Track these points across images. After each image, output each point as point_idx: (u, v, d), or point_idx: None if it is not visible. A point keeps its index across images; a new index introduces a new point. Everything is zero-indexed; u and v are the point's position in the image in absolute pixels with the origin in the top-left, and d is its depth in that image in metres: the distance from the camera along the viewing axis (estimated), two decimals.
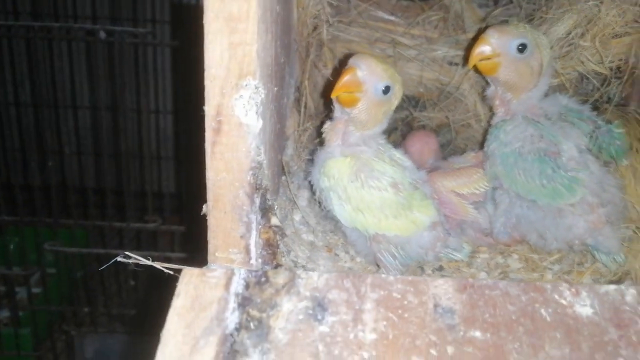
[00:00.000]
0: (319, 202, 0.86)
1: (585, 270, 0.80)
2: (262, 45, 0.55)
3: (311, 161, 0.90)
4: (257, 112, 0.53)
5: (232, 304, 0.45)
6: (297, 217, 0.95)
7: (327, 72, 1.25)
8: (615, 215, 0.78)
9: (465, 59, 0.99)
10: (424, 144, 1.02)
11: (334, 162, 0.80)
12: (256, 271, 0.48)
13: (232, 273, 0.48)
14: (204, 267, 0.50)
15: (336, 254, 0.93)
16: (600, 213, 0.77)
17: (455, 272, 0.90)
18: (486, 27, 0.84)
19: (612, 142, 0.79)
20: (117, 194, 1.88)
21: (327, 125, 0.85)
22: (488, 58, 0.80)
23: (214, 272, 0.48)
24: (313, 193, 0.88)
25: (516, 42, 0.79)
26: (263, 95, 0.53)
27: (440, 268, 0.90)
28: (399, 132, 1.26)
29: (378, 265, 0.85)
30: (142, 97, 1.69)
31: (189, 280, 0.48)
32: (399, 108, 1.27)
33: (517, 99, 0.83)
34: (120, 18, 1.82)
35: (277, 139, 0.80)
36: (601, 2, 0.85)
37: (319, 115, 1.15)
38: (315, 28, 1.09)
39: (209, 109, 0.53)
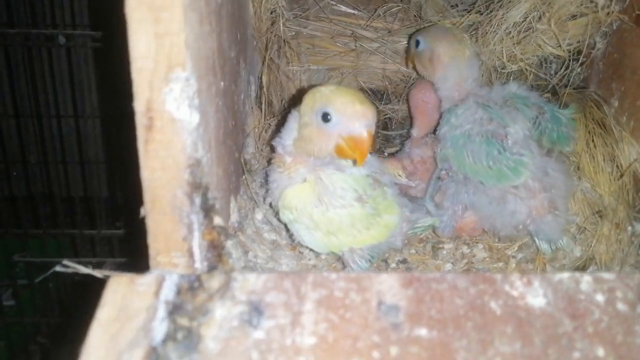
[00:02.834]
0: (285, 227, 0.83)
1: (549, 257, 0.78)
2: (195, 36, 0.51)
3: (265, 181, 0.86)
4: (190, 106, 0.50)
5: (161, 312, 0.42)
6: (258, 215, 0.92)
7: (292, 68, 1.23)
8: (559, 201, 0.77)
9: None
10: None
11: (293, 192, 0.76)
12: (189, 276, 0.45)
13: (163, 279, 0.45)
14: (135, 274, 0.46)
15: (300, 252, 0.91)
16: (542, 198, 0.77)
17: (420, 265, 0.88)
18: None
19: (556, 128, 0.79)
20: (86, 202, 1.83)
21: (289, 160, 0.78)
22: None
23: (144, 278, 0.45)
24: (276, 215, 0.85)
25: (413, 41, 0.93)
26: (195, 88, 0.50)
27: (405, 261, 0.88)
28: None
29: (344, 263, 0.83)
30: (105, 102, 1.64)
31: (116, 289, 0.44)
32: None
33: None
34: (82, 24, 1.77)
35: (230, 136, 0.77)
36: None
37: (281, 112, 1.12)
38: (273, 23, 1.06)
39: (139, 104, 0.49)
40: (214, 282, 0.44)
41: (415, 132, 0.97)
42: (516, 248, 0.83)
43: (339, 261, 0.86)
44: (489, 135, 0.77)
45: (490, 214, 0.80)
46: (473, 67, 0.86)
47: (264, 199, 0.89)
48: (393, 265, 0.87)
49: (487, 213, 0.81)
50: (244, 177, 0.91)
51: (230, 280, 0.44)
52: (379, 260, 0.86)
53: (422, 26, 1.14)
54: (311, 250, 0.88)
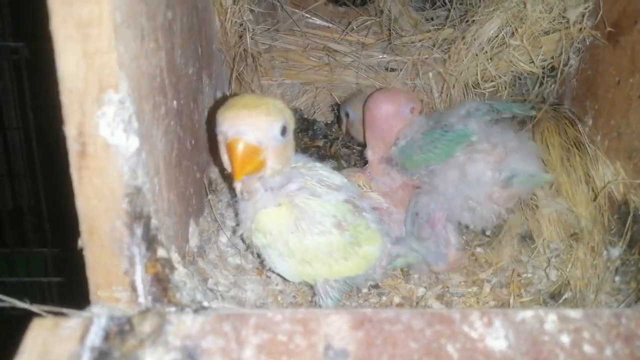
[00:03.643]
0: (257, 255, 0.78)
1: (523, 282, 0.75)
2: (132, 54, 0.48)
3: (232, 209, 0.80)
4: (126, 130, 0.46)
5: None
6: (223, 239, 0.88)
7: (265, 82, 1.20)
8: (515, 150, 0.77)
9: None
10: (393, 116, 0.86)
11: (267, 216, 0.69)
12: (119, 318, 0.41)
13: (91, 322, 0.41)
14: (60, 317, 0.42)
15: (267, 276, 0.86)
16: (498, 151, 0.76)
17: (392, 290, 0.84)
18: None
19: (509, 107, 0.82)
20: (55, 218, 1.77)
21: (240, 187, 0.71)
22: None
23: (69, 321, 0.41)
24: (247, 247, 0.80)
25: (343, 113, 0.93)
26: (132, 111, 0.46)
27: (377, 286, 0.85)
28: (339, 142, 1.20)
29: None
30: (28, 114, 1.58)
31: (38, 333, 0.40)
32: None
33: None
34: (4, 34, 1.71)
35: (187, 156, 0.73)
36: None
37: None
38: (240, 37, 1.03)
39: (70, 128, 0.45)
40: (146, 325, 0.40)
41: (369, 154, 0.90)
42: (491, 272, 0.80)
43: (309, 287, 0.81)
44: (429, 129, 0.81)
45: (464, 196, 0.78)
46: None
47: (235, 230, 0.82)
48: (365, 290, 0.84)
49: (460, 198, 0.78)
50: (207, 198, 0.87)
51: (164, 323, 0.40)
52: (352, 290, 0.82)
53: (395, 41, 1.12)
54: (278, 274, 0.84)
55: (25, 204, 1.73)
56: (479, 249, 0.90)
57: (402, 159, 0.84)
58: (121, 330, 0.40)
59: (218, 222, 0.86)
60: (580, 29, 0.81)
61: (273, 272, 0.83)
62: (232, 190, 0.83)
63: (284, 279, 0.85)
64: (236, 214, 0.79)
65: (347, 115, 0.99)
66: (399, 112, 0.84)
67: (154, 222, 0.51)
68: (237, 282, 0.81)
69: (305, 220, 0.68)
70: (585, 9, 0.80)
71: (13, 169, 1.69)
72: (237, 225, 0.78)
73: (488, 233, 0.90)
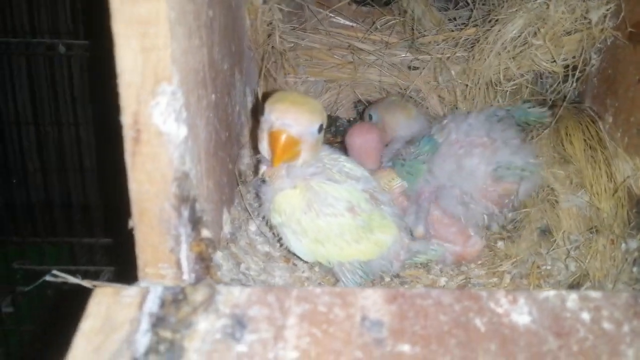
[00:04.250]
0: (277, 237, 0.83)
1: (543, 274, 0.78)
2: (182, 50, 0.52)
3: (257, 196, 0.86)
4: (177, 120, 0.50)
5: (145, 324, 0.42)
6: (252, 227, 0.92)
7: (290, 79, 1.23)
8: (511, 144, 0.80)
9: None
10: (365, 142, 0.97)
11: (284, 196, 0.75)
12: (174, 288, 0.45)
13: (148, 291, 0.45)
14: (120, 285, 0.46)
15: (294, 264, 0.90)
16: (496, 145, 0.79)
17: (414, 280, 0.87)
18: None
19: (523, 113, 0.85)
20: (84, 210, 1.84)
21: (264, 170, 0.78)
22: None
23: (129, 290, 0.45)
24: (270, 228, 0.85)
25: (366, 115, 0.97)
26: (182, 102, 0.50)
27: (398, 276, 0.88)
28: None
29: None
30: (99, 110, 1.65)
31: (101, 300, 0.44)
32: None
33: None
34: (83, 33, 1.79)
35: (223, 147, 0.77)
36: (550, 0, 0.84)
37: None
38: (269, 35, 1.07)
39: (126, 117, 0.49)
40: (198, 295, 0.44)
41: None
42: (511, 264, 0.83)
43: (333, 275, 0.85)
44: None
45: (458, 189, 0.81)
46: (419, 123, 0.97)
47: (258, 212, 0.88)
48: (387, 279, 0.87)
49: (454, 191, 0.81)
50: (238, 188, 0.91)
51: (214, 294, 0.44)
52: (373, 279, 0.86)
53: (419, 40, 1.15)
54: (305, 262, 0.88)
55: (75, 198, 1.80)
56: (499, 243, 0.92)
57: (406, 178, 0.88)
58: (175, 299, 0.44)
59: (248, 211, 0.90)
60: (602, 29, 0.84)
61: (297, 259, 0.88)
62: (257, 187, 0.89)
63: (310, 267, 0.89)
64: (256, 196, 0.87)
65: (370, 117, 1.06)
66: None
67: (199, 205, 0.55)
68: (266, 269, 0.85)
69: (317, 202, 0.74)
70: (608, 10, 0.82)
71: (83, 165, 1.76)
72: (260, 206, 0.84)
73: (508, 227, 0.93)
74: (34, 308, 1.93)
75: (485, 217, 0.83)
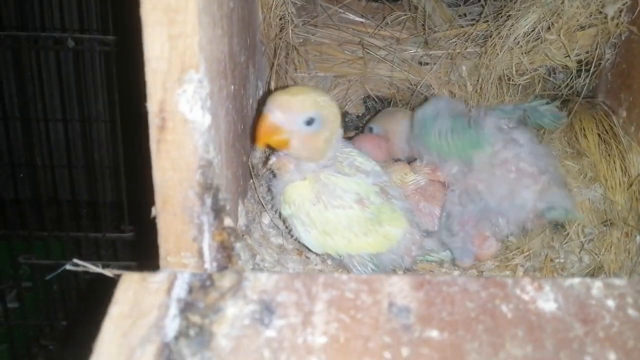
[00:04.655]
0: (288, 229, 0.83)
1: (557, 267, 0.78)
2: (208, 39, 0.52)
3: (269, 190, 0.87)
4: (202, 108, 0.50)
5: (173, 310, 0.42)
6: (265, 220, 0.92)
7: (299, 74, 1.23)
8: (556, 181, 0.78)
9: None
10: (375, 146, 1.00)
11: (293, 188, 0.77)
12: (201, 274, 0.45)
13: (175, 277, 0.45)
14: (147, 272, 0.47)
15: (307, 257, 0.91)
16: (544, 180, 0.77)
17: (427, 273, 0.87)
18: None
19: (539, 115, 0.83)
20: (91, 205, 1.84)
21: (273, 161, 0.80)
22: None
23: (156, 276, 0.45)
24: (282, 221, 0.85)
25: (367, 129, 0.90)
26: (208, 90, 0.50)
27: (412, 269, 0.88)
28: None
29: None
30: (115, 105, 1.65)
31: (128, 286, 0.44)
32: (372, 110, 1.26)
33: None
34: (90, 28, 1.79)
35: (239, 139, 0.77)
36: None
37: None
38: (281, 30, 1.07)
39: (152, 105, 0.50)
40: (226, 281, 0.45)
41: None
42: (524, 257, 0.83)
43: (344, 268, 0.85)
44: (455, 115, 0.83)
45: (502, 214, 0.80)
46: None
47: (271, 205, 0.89)
48: (400, 273, 0.87)
49: (498, 214, 0.80)
50: (251, 181, 0.91)
51: (241, 280, 0.44)
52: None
53: (429, 36, 1.15)
54: (317, 255, 0.88)
55: (82, 194, 1.80)
56: (511, 237, 0.92)
57: (421, 132, 0.86)
58: (203, 285, 0.44)
59: (262, 203, 0.90)
60: (618, 24, 0.84)
61: (310, 252, 0.88)
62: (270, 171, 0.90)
63: (323, 259, 0.89)
64: (268, 190, 0.88)
65: (370, 130, 1.08)
66: None
67: (222, 193, 0.55)
68: (280, 261, 0.85)
69: (325, 194, 0.74)
70: (624, 4, 0.82)
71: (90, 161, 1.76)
72: (272, 199, 0.85)
73: None
74: (40, 303, 1.93)
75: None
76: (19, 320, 1.86)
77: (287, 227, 0.85)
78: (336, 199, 0.74)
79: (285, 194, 0.77)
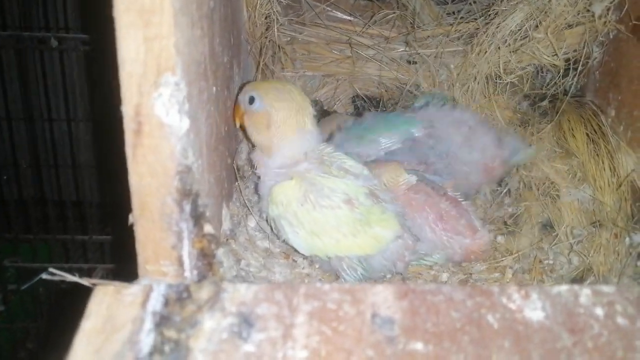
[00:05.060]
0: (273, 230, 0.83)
1: (546, 268, 0.77)
2: (185, 40, 0.50)
3: (256, 192, 0.88)
4: (180, 112, 0.49)
5: (148, 324, 0.41)
6: (251, 223, 0.90)
7: (286, 74, 1.22)
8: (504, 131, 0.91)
9: None
10: None
11: (280, 188, 0.76)
12: (177, 285, 0.44)
13: (151, 289, 0.43)
14: (121, 283, 0.45)
15: (294, 260, 0.89)
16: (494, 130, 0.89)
17: (416, 276, 0.86)
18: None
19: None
20: (77, 206, 1.81)
21: (252, 154, 0.85)
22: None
23: (131, 288, 0.44)
24: (268, 224, 0.84)
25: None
26: (185, 93, 0.49)
27: (405, 274, 0.87)
28: None
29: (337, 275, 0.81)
30: (97, 106, 1.62)
31: (102, 299, 0.43)
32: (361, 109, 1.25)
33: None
34: (75, 27, 1.76)
35: (222, 141, 0.75)
36: None
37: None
38: (267, 28, 1.06)
39: (127, 109, 0.48)
40: (203, 292, 0.43)
41: None
42: (512, 259, 0.82)
43: (333, 272, 0.84)
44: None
45: (464, 159, 0.88)
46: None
47: (258, 208, 0.87)
48: (389, 276, 0.86)
49: (460, 159, 0.88)
50: (236, 183, 0.90)
51: (220, 291, 0.43)
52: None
53: (417, 34, 1.13)
54: (305, 258, 0.87)
55: (68, 195, 1.77)
56: (499, 238, 0.92)
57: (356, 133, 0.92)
58: (180, 297, 0.43)
59: (247, 207, 0.88)
60: (605, 22, 0.83)
61: (297, 255, 0.86)
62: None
63: (310, 263, 0.88)
64: (255, 191, 0.89)
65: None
66: None
67: (201, 199, 0.54)
68: (266, 265, 0.84)
69: (313, 193, 0.74)
70: (611, 2, 0.81)
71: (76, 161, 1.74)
72: (259, 201, 0.85)
73: (509, 222, 0.92)
74: (26, 306, 1.90)
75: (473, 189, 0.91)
76: (5, 323, 1.83)
77: (274, 230, 0.83)
78: (324, 198, 0.73)
79: (272, 194, 0.76)
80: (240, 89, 0.83)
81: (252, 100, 0.78)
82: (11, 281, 1.84)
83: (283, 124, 0.76)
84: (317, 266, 0.88)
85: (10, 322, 1.84)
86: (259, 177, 0.84)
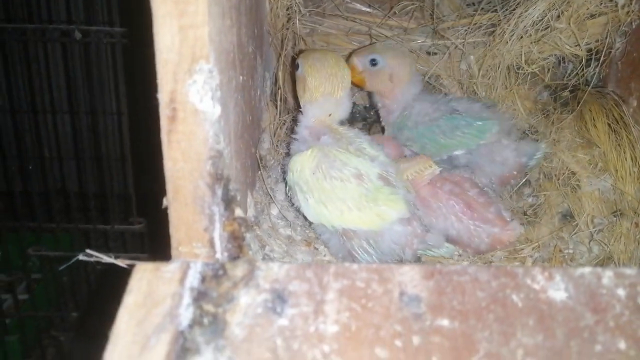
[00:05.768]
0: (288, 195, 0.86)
1: (566, 257, 0.78)
2: (217, 29, 0.52)
3: (287, 154, 0.90)
4: (212, 98, 0.50)
5: (187, 299, 0.43)
6: (274, 211, 0.92)
7: None
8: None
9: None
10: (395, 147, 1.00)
11: (298, 156, 0.79)
12: (213, 264, 0.46)
13: (188, 267, 0.46)
14: (159, 262, 0.47)
15: (315, 248, 0.91)
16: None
17: (435, 264, 0.87)
18: None
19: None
20: (99, 197, 1.85)
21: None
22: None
23: (169, 266, 0.46)
24: (287, 194, 0.87)
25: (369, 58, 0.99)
26: (218, 81, 0.51)
27: (419, 260, 0.88)
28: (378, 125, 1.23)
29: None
30: (122, 98, 1.65)
31: (142, 276, 0.45)
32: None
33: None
34: (97, 20, 1.79)
35: (247, 130, 0.77)
36: None
37: (296, 109, 1.12)
38: (288, 20, 1.07)
39: (163, 95, 0.50)
40: (238, 270, 0.45)
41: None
42: (532, 248, 0.83)
43: (351, 261, 0.85)
44: (449, 114, 0.91)
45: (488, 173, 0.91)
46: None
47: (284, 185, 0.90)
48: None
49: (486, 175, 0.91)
50: (259, 172, 0.92)
51: (254, 269, 0.45)
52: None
53: (437, 26, 1.14)
54: (325, 246, 0.89)
55: (91, 186, 1.81)
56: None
57: (421, 141, 0.94)
58: (216, 274, 0.45)
59: (270, 195, 0.90)
60: (628, 12, 0.83)
61: (319, 242, 0.88)
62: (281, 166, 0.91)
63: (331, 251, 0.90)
64: (277, 181, 0.94)
65: (374, 63, 1.02)
66: None
67: (232, 184, 0.56)
68: (288, 252, 0.86)
69: (325, 164, 0.77)
70: None
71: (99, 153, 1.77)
72: (284, 175, 0.87)
73: (529, 213, 0.93)
74: (49, 294, 1.95)
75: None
76: (29, 311, 1.88)
77: (288, 194, 0.86)
78: (335, 170, 0.76)
79: (291, 162, 0.80)
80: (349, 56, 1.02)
81: (373, 61, 0.96)
82: (34, 270, 1.89)
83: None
84: (340, 255, 0.89)
85: (34, 310, 1.89)
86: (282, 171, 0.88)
